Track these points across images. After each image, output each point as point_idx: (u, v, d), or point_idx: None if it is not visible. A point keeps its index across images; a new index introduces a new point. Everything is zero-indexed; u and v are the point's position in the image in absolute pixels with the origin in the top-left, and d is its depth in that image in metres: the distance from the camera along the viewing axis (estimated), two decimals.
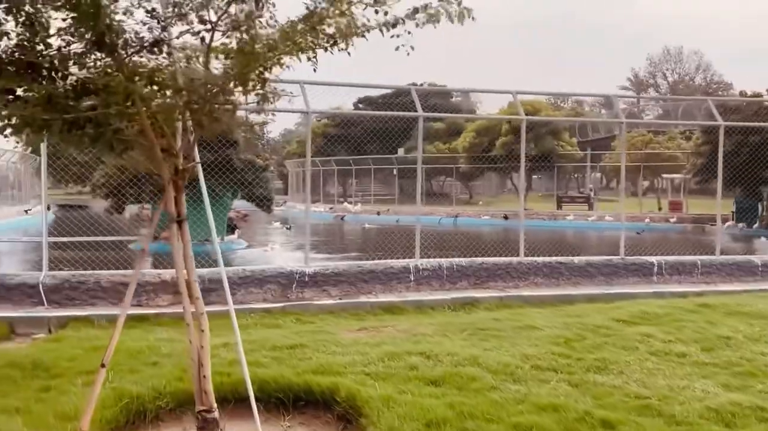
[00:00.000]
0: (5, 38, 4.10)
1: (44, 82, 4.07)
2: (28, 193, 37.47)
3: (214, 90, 4.06)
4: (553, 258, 12.06)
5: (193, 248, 4.44)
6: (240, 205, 25.84)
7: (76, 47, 4.18)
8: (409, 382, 5.36)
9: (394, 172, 39.80)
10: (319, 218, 34.20)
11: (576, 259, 12.03)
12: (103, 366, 4.26)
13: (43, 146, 9.81)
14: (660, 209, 34.77)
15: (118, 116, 4.19)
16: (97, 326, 7.93)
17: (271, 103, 3.99)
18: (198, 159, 4.41)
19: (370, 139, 39.43)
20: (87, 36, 3.86)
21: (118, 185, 17.21)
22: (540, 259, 11.82)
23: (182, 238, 4.39)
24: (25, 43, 4.05)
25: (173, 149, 4.27)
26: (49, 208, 35.64)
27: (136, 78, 4.00)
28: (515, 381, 5.42)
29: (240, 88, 3.97)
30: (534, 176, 42.70)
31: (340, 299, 10.59)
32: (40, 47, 4.10)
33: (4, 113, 4.02)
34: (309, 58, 4.24)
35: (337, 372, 5.55)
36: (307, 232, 11.32)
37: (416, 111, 11.88)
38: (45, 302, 9.53)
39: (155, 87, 3.98)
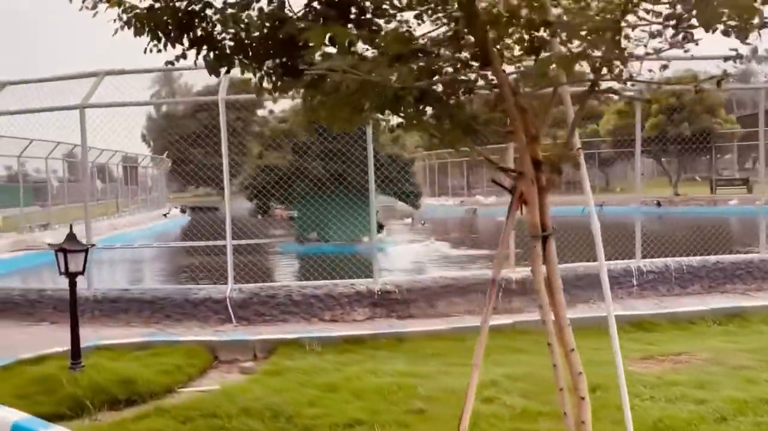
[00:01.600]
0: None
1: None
2: (164, 196, 38.23)
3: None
4: None
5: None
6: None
7: None
8: None
9: None
10: (448, 212, 32.59)
11: None
12: None
13: (224, 148, 8.83)
14: None
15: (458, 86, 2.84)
16: (309, 350, 6.76)
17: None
18: (578, 144, 2.97)
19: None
20: None
21: (264, 187, 16.44)
22: None
23: (547, 260, 2.99)
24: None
25: (535, 130, 2.86)
26: (184, 211, 35.76)
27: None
28: None
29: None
30: (664, 159, 38.96)
31: None
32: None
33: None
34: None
35: None
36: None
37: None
38: (233, 319, 8.59)
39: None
